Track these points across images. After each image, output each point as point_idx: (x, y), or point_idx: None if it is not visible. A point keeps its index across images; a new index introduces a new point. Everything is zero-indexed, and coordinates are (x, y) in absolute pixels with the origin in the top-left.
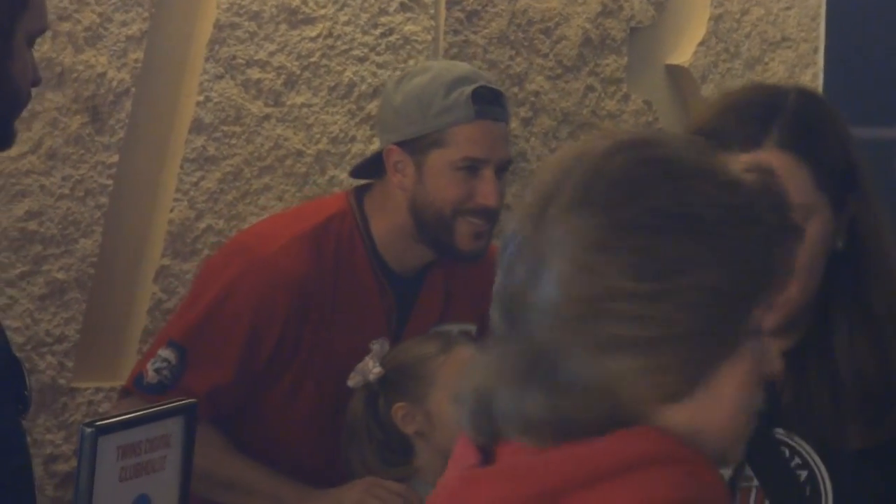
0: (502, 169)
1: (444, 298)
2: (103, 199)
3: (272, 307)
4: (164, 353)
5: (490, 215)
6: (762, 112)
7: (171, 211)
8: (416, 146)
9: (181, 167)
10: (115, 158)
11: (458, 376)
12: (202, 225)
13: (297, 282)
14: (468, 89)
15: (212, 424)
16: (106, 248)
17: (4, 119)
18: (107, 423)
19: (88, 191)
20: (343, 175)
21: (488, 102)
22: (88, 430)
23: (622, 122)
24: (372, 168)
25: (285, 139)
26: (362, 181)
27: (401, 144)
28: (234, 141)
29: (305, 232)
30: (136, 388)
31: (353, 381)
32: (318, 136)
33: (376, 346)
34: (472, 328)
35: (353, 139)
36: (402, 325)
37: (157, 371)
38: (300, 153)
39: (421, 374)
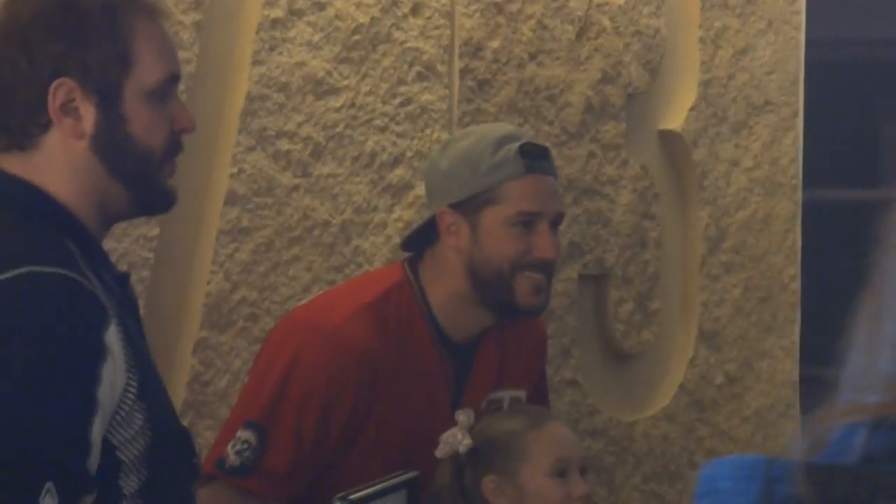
0: (556, 222)
1: (498, 365)
2: (145, 273)
3: (344, 379)
4: (244, 434)
5: (548, 268)
6: None
7: (208, 283)
8: (469, 206)
9: (217, 239)
10: (156, 231)
11: (550, 451)
12: (237, 296)
13: (365, 353)
14: (515, 146)
15: None
16: (146, 322)
17: (145, 180)
18: (359, 497)
19: (131, 264)
20: (366, 244)
21: (536, 157)
22: None
23: (621, 188)
24: (421, 237)
25: (313, 209)
26: (408, 253)
27: (453, 206)
28: (265, 212)
29: (368, 304)
30: (220, 471)
31: (441, 451)
32: (343, 206)
33: (462, 417)
34: (523, 394)
35: (375, 208)
36: (459, 393)
37: (238, 454)
38: (327, 223)
39: (512, 448)
